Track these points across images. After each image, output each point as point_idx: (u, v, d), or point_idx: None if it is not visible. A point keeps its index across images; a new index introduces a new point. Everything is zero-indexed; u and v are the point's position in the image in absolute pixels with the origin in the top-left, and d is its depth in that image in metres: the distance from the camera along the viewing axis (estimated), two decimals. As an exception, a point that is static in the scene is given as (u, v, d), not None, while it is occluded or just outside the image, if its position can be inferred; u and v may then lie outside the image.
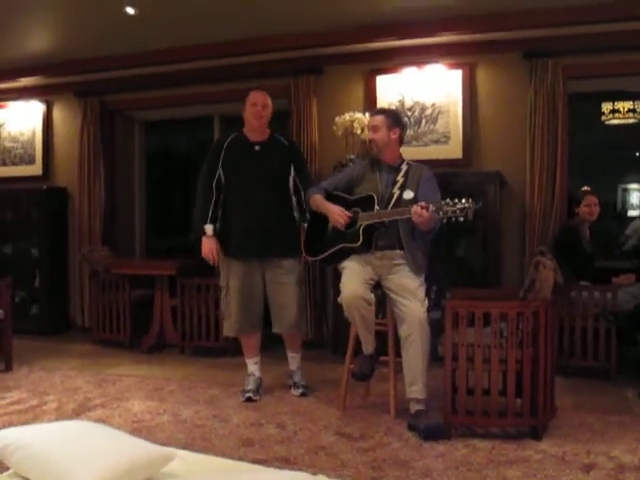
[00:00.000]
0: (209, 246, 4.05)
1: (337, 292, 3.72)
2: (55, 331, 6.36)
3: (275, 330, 4.14)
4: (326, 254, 3.84)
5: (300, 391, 4.12)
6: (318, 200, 3.88)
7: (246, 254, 4.03)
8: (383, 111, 3.93)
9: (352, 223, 3.71)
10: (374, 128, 3.79)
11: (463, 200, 3.32)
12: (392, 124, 3.77)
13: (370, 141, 3.83)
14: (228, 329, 4.19)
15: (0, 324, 4.81)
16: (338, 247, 3.76)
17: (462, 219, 3.32)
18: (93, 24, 5.17)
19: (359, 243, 3.65)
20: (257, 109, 4.03)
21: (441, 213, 3.34)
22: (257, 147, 4.08)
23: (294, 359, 4.25)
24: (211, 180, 4.07)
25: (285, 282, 4.04)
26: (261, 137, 4.11)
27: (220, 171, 4.07)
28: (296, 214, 4.15)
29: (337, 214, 3.74)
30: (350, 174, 3.96)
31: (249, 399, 4.01)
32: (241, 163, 4.06)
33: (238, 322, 4.10)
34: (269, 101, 4.11)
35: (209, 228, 4.05)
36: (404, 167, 3.80)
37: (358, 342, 3.73)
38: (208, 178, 4.09)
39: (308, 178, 4.25)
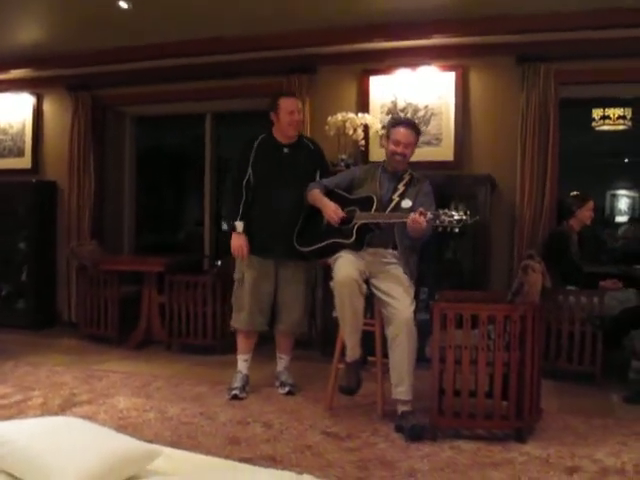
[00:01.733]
0: (239, 242, 4.08)
1: (326, 290, 3.73)
2: (42, 326, 6.31)
3: (278, 328, 4.19)
4: (317, 246, 3.84)
5: (287, 389, 4.13)
6: (316, 194, 3.89)
7: (266, 252, 4.07)
8: (415, 128, 3.83)
9: (348, 220, 3.72)
10: (407, 145, 3.73)
11: (461, 212, 3.33)
12: (417, 141, 3.82)
13: (398, 154, 3.73)
14: (239, 322, 4.18)
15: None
16: (330, 241, 3.77)
17: (457, 230, 3.35)
18: (86, 17, 5.15)
19: (352, 240, 3.66)
20: (294, 117, 4.08)
21: (437, 222, 3.35)
22: (286, 149, 4.13)
23: (283, 360, 4.26)
24: (242, 178, 4.11)
25: (296, 284, 4.11)
26: (290, 139, 4.16)
27: (250, 170, 4.10)
28: None
29: (332, 210, 3.75)
30: (352, 175, 3.98)
31: (235, 397, 4.02)
32: (270, 165, 4.10)
33: (250, 316, 4.12)
34: (301, 106, 4.23)
35: (240, 225, 4.09)
36: (407, 177, 3.81)
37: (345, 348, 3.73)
38: (239, 176, 4.13)
39: None
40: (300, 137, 4.24)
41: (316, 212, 3.89)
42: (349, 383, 3.67)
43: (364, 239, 3.68)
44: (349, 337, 3.63)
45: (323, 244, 3.81)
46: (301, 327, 4.24)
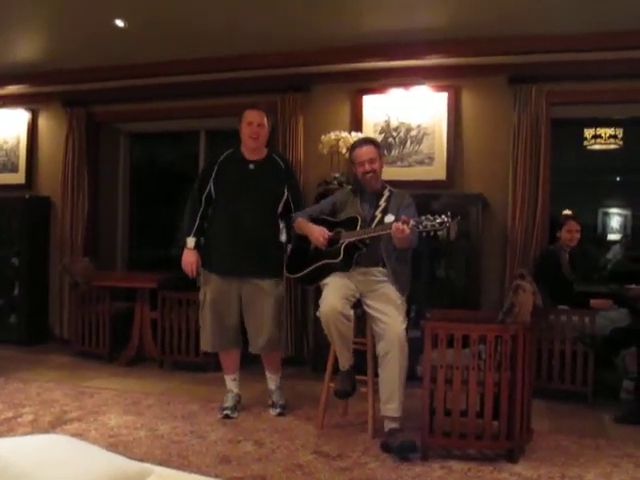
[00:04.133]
0: (189, 259, 4.08)
1: (317, 308, 3.73)
2: (33, 341, 6.28)
3: (250, 350, 4.12)
4: (307, 270, 3.87)
5: (278, 411, 4.10)
6: (302, 222, 3.91)
7: (224, 270, 4.01)
8: (371, 141, 3.94)
9: (334, 242, 3.74)
10: (372, 160, 3.78)
11: (443, 215, 3.36)
12: (381, 153, 3.86)
13: (368, 172, 3.79)
14: (204, 343, 4.17)
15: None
16: (319, 264, 3.80)
17: (441, 233, 3.38)
18: (82, 35, 5.17)
19: (339, 259, 3.69)
20: (252, 129, 4.00)
21: (420, 227, 3.36)
22: (252, 166, 4.06)
23: (272, 379, 4.22)
24: (201, 193, 4.08)
25: (261, 303, 3.99)
26: (258, 156, 4.10)
27: (211, 185, 4.06)
28: (283, 237, 4.12)
29: (318, 232, 3.77)
30: (334, 200, 4.01)
31: (226, 416, 4.00)
32: (233, 180, 4.05)
33: (212, 338, 4.09)
34: (265, 120, 4.06)
35: (191, 241, 4.07)
36: (386, 193, 3.87)
37: (338, 360, 3.73)
38: (198, 191, 4.10)
39: (300, 202, 4.23)
40: (270, 154, 4.16)
41: (304, 239, 3.90)
42: (344, 386, 3.68)
43: (353, 258, 3.70)
44: (340, 353, 3.67)
45: (313, 267, 3.83)
46: (273, 347, 4.07)
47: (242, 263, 3.96)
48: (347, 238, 3.70)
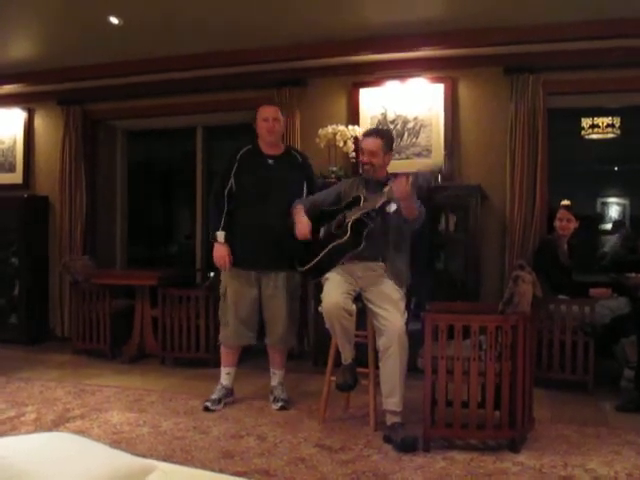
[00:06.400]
0: (220, 252, 4.08)
1: (318, 302, 3.74)
2: (34, 340, 6.29)
3: (266, 342, 4.17)
4: (317, 259, 3.81)
5: (280, 404, 4.11)
6: (296, 210, 3.92)
7: (245, 264, 4.06)
8: (379, 134, 3.86)
9: (342, 225, 3.74)
10: (372, 153, 3.76)
11: (430, 162, 3.70)
12: (387, 149, 3.81)
13: (365, 164, 3.80)
14: (225, 337, 4.19)
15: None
16: (328, 248, 3.76)
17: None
18: (77, 33, 5.17)
19: (347, 237, 3.67)
20: (268, 124, 4.07)
21: (420, 179, 3.40)
22: (271, 161, 4.11)
23: (276, 375, 4.24)
24: (223, 188, 4.11)
25: (277, 296, 4.06)
26: (276, 151, 4.15)
27: (232, 180, 4.09)
28: None
29: (301, 224, 3.81)
30: (338, 189, 4.00)
31: (206, 408, 4.04)
32: (253, 175, 4.08)
33: (235, 332, 4.12)
34: (280, 115, 4.16)
35: (221, 235, 4.08)
36: (390, 183, 3.84)
37: (339, 354, 3.74)
38: (221, 186, 4.13)
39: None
40: (288, 149, 4.25)
41: (315, 231, 3.89)
42: (346, 380, 3.69)
43: (362, 235, 3.66)
44: (343, 347, 3.67)
45: (323, 253, 3.78)
46: (286, 342, 4.17)
47: (261, 256, 4.00)
48: (352, 216, 3.70)
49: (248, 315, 4.10)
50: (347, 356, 3.69)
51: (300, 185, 4.13)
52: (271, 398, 4.20)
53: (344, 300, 3.55)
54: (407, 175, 3.41)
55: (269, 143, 4.13)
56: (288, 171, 4.12)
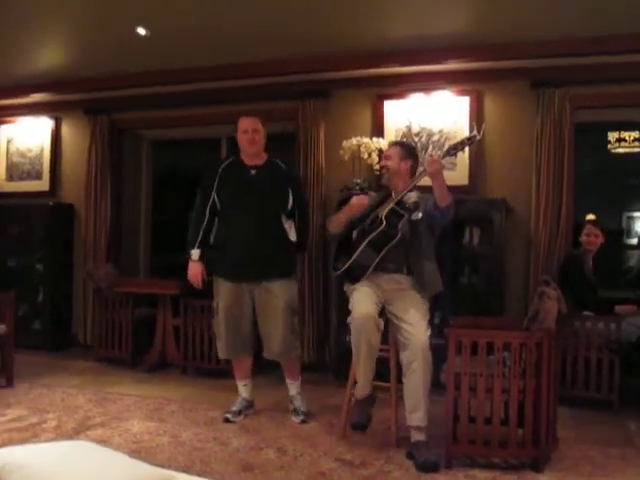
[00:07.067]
0: (194, 271, 4.12)
1: (340, 314, 3.69)
2: (57, 347, 6.34)
3: (264, 355, 4.14)
4: (352, 260, 3.69)
5: (301, 418, 4.08)
6: (334, 217, 3.95)
7: (234, 277, 4.03)
8: (399, 143, 4.08)
9: (377, 220, 3.70)
10: (387, 157, 3.86)
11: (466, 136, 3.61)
12: (405, 155, 3.82)
13: (382, 167, 3.92)
14: (220, 350, 4.20)
15: (2, 339, 4.80)
16: (364, 244, 3.67)
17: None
18: (105, 43, 5.24)
19: (383, 226, 3.61)
20: (248, 136, 4.04)
21: (452, 151, 3.53)
22: (253, 171, 4.08)
23: (292, 385, 4.21)
24: (204, 204, 4.10)
25: (272, 307, 4.00)
26: (258, 161, 4.12)
27: (214, 195, 4.07)
28: (292, 238, 4.12)
29: (356, 198, 3.83)
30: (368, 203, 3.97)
31: (226, 420, 4.05)
32: (236, 187, 4.06)
33: (228, 345, 4.11)
34: (259, 126, 4.08)
35: (195, 253, 4.11)
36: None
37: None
38: (201, 203, 4.13)
39: (304, 202, 4.29)
40: (270, 158, 4.16)
41: (346, 237, 3.86)
42: (360, 419, 3.69)
43: (397, 227, 3.60)
44: (362, 373, 3.60)
45: (356, 253, 3.68)
46: (285, 354, 4.06)
47: (251, 268, 3.97)
48: (384, 209, 3.68)
49: (241, 328, 4.07)
50: (363, 389, 3.65)
51: (285, 194, 4.07)
52: (291, 408, 4.19)
53: (374, 312, 3.52)
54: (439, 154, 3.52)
55: (250, 155, 4.10)
56: (271, 180, 4.08)
